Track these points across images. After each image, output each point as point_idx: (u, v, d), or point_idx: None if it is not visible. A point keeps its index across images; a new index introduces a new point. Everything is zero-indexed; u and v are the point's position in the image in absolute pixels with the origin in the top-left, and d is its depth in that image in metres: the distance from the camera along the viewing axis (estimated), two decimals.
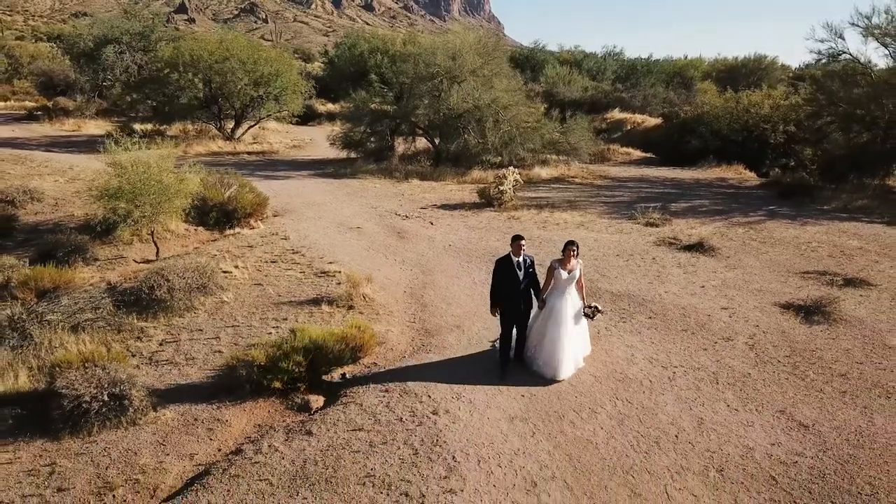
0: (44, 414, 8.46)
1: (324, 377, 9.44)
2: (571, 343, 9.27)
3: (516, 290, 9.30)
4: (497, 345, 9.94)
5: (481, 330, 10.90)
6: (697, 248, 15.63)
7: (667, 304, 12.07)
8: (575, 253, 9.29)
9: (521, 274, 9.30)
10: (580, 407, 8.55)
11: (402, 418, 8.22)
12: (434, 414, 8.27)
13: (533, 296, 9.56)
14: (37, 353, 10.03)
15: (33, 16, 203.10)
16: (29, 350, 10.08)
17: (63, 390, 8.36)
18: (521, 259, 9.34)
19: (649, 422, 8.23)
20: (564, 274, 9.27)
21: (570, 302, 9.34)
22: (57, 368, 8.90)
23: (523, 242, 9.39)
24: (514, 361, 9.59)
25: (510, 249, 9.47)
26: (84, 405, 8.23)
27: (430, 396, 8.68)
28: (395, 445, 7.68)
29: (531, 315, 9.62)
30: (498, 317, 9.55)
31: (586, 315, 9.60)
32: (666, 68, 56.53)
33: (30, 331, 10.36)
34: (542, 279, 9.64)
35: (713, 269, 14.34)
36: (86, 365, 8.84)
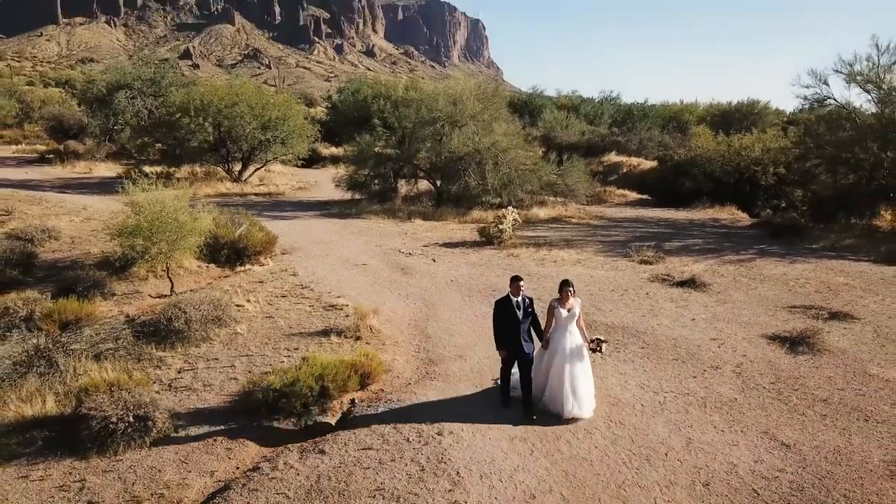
0: (71, 436, 9.01)
1: (334, 401, 10.00)
2: (576, 380, 9.44)
3: (517, 331, 9.52)
4: (498, 382, 10.23)
5: (482, 359, 11.50)
6: (689, 284, 16.30)
7: (659, 336, 12.68)
8: (571, 292, 9.61)
9: (520, 314, 9.54)
10: (576, 428, 9.12)
11: (408, 438, 8.77)
12: (439, 434, 8.83)
13: (535, 336, 9.78)
14: (62, 380, 10.59)
15: (41, 62, 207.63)
16: (55, 377, 10.63)
17: (91, 412, 8.93)
18: (520, 299, 9.59)
19: (641, 441, 8.79)
20: (564, 312, 9.57)
21: (572, 339, 9.59)
22: (84, 392, 9.47)
23: (522, 283, 9.65)
24: (521, 405, 9.62)
25: (509, 290, 9.75)
26: (111, 426, 8.80)
27: (434, 419, 9.24)
28: (403, 462, 8.23)
29: (535, 355, 9.79)
30: (505, 356, 9.73)
31: (592, 350, 9.88)
32: (661, 113, 58.04)
33: (56, 359, 10.94)
34: (542, 319, 10.02)
35: (704, 303, 14.99)
36: (112, 389, 9.42)
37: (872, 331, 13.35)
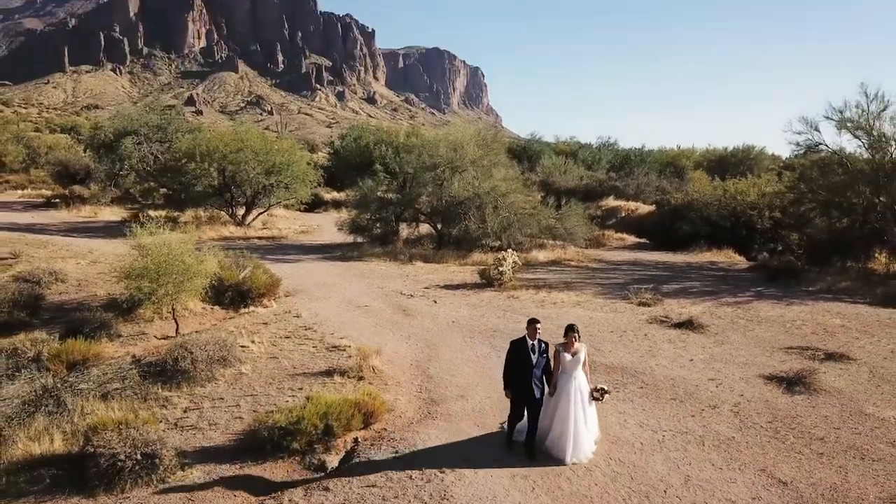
0: (79, 474, 9.15)
1: (338, 440, 10.16)
2: (580, 425, 9.45)
3: (530, 374, 9.48)
4: (505, 426, 10.17)
5: (483, 399, 11.67)
6: (687, 325, 16.52)
7: (657, 376, 12.87)
8: (576, 337, 9.63)
9: (534, 357, 9.50)
10: (576, 465, 9.26)
11: (411, 476, 8.91)
12: (441, 472, 8.97)
13: (545, 382, 9.71)
14: (70, 419, 10.76)
15: (47, 108, 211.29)
16: (63, 416, 10.81)
17: (100, 449, 9.10)
18: (535, 342, 9.55)
19: (640, 478, 8.93)
20: (569, 357, 9.57)
21: (577, 385, 9.59)
22: (93, 430, 9.63)
23: (539, 326, 9.57)
24: (524, 446, 9.63)
25: (525, 332, 9.67)
26: (119, 463, 8.95)
27: (437, 458, 9.39)
28: (406, 499, 8.36)
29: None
30: (510, 397, 9.68)
31: (594, 398, 9.91)
32: (659, 158, 58.94)
33: (64, 399, 11.12)
34: None
35: (702, 344, 15.19)
36: (120, 427, 9.58)
37: (868, 371, 13.52)
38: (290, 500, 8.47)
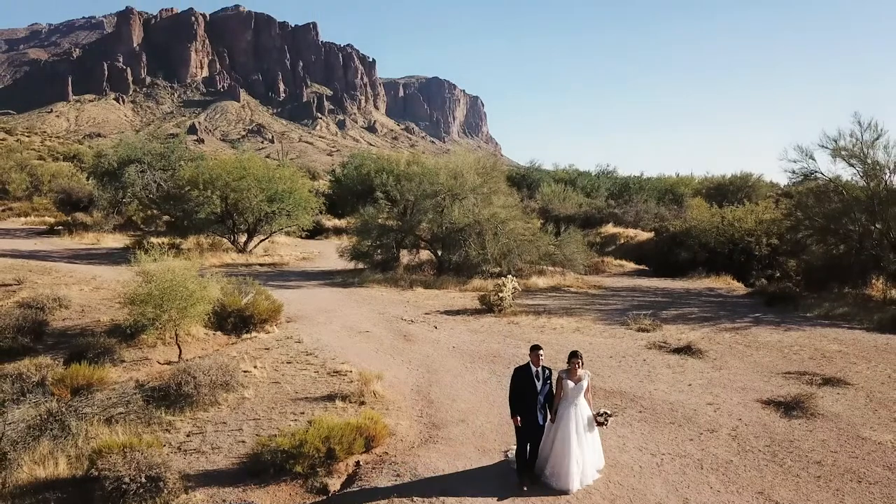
0: (83, 497, 9.27)
1: (340, 463, 10.26)
2: (581, 454, 9.40)
3: (535, 402, 9.46)
4: (509, 455, 10.16)
5: (484, 423, 11.79)
6: (686, 350, 16.66)
7: (656, 400, 12.99)
8: (580, 364, 9.62)
9: (539, 385, 9.49)
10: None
11: (413, 500, 9.02)
12: (443, 495, 9.07)
13: (548, 409, 9.69)
14: (74, 443, 10.88)
15: (50, 136, 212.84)
16: (67, 440, 10.93)
17: (105, 472, 9.22)
18: (539, 369, 9.56)
19: (639, 501, 9.03)
20: (572, 384, 9.54)
21: (579, 412, 9.57)
22: (97, 454, 9.76)
23: (542, 353, 9.58)
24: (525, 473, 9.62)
25: (528, 359, 9.65)
26: (124, 486, 9.07)
27: (438, 482, 9.50)
28: None
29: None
30: (519, 423, 9.53)
31: (599, 423, 9.86)
32: (658, 185, 59.39)
33: (68, 423, 11.25)
34: None
35: (700, 369, 15.32)
36: (124, 450, 9.71)
37: (865, 396, 13.65)
38: None
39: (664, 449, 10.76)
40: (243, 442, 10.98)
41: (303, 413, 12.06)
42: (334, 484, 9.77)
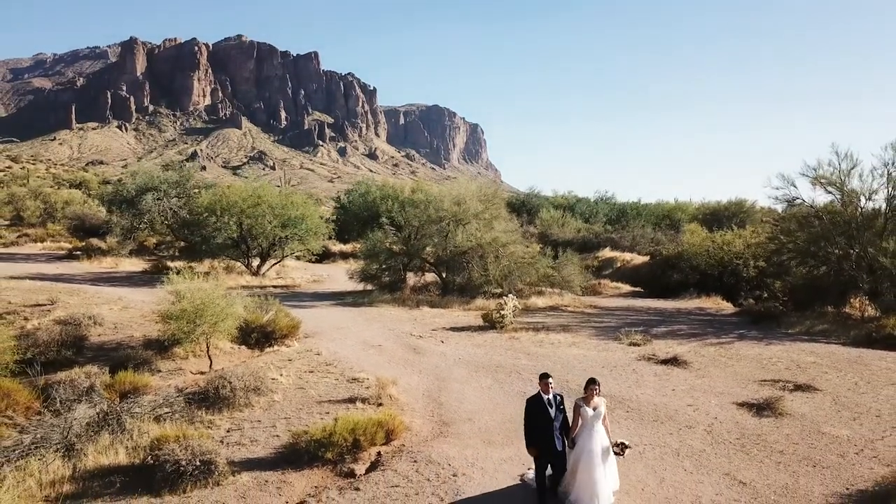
0: (145, 478, 10.80)
1: (364, 452, 11.79)
2: (603, 480, 9.56)
3: (551, 429, 9.56)
4: (526, 478, 10.46)
5: (489, 422, 13.34)
6: (672, 362, 18.21)
7: (642, 402, 14.54)
8: (597, 391, 9.79)
9: (552, 411, 9.61)
10: None
11: (429, 479, 10.56)
12: (454, 476, 10.62)
13: (565, 435, 9.81)
14: (130, 437, 12.40)
15: (54, 164, 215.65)
16: (123, 434, 12.45)
17: (165, 457, 10.76)
18: (550, 396, 9.69)
19: (622, 481, 10.53)
20: (590, 411, 9.71)
21: (598, 439, 9.72)
22: (157, 442, 11.32)
23: (551, 381, 9.71)
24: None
25: (538, 388, 9.81)
26: (181, 468, 10.60)
27: (450, 465, 11.04)
28: (425, 496, 10.00)
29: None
30: (536, 454, 9.75)
31: (616, 453, 10.64)
32: (655, 211, 61.20)
33: (123, 420, 12.78)
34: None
35: (684, 377, 16.87)
36: (179, 440, 11.25)
37: (831, 399, 15.17)
38: (327, 497, 10.10)
39: (646, 441, 12.30)
40: (277, 436, 12.52)
41: (328, 413, 13.61)
42: (360, 469, 11.30)
